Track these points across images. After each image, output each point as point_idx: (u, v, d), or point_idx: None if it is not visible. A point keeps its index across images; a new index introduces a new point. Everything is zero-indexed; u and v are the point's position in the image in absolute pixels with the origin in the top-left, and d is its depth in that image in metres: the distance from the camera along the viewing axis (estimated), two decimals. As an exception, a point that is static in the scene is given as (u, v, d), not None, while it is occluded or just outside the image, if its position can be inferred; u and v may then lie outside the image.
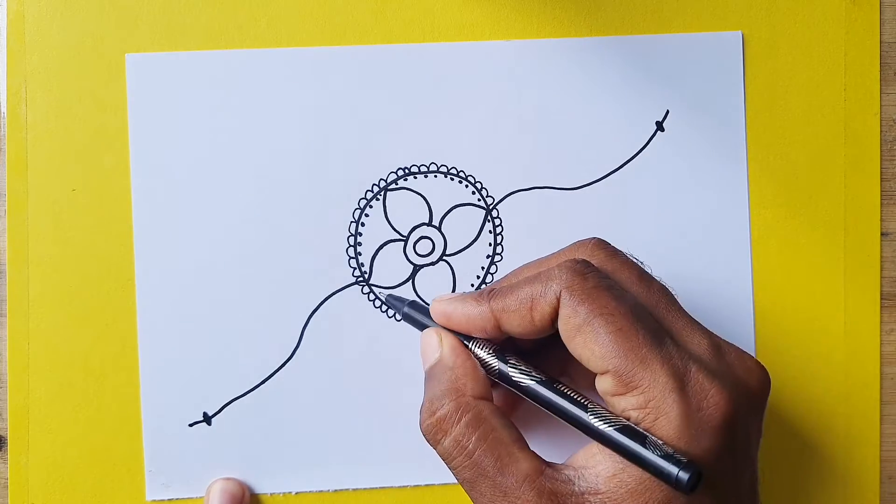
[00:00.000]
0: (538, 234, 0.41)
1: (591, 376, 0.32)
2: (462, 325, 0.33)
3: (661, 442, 0.28)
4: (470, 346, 0.33)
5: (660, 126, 0.41)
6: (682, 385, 0.29)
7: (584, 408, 0.30)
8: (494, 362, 0.33)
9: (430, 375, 0.33)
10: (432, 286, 0.40)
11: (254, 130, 0.40)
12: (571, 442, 0.32)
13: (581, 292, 0.30)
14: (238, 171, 0.40)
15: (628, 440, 0.28)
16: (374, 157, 0.40)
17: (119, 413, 0.40)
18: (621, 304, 0.30)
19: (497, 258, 0.41)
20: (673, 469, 0.27)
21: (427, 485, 0.40)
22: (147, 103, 0.40)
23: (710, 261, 0.41)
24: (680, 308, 0.32)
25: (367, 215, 0.40)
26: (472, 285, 0.40)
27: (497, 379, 0.33)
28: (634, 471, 0.29)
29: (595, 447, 0.30)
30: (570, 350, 0.31)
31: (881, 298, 0.41)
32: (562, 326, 0.31)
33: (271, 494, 0.40)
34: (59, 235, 0.40)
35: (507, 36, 0.41)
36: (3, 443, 0.40)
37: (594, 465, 0.29)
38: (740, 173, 0.41)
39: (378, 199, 0.40)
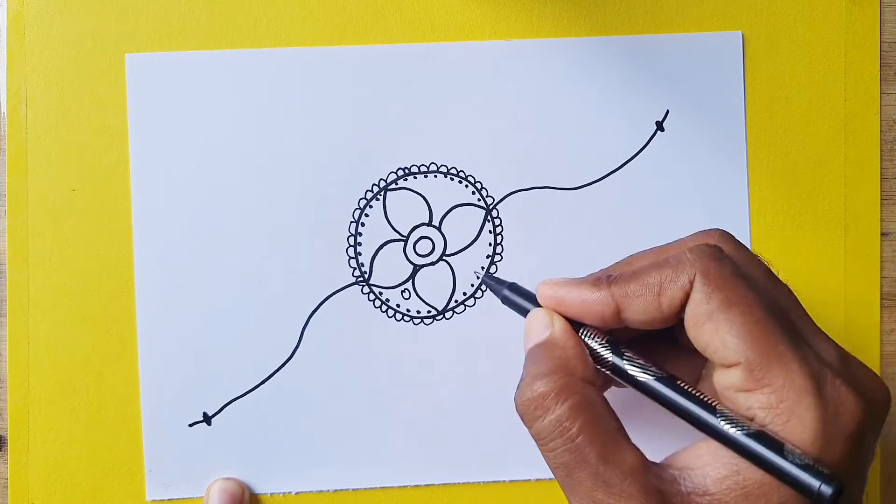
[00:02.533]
0: (538, 234, 0.41)
1: (696, 375, 0.31)
2: (576, 311, 0.31)
3: (798, 451, 0.27)
4: (581, 333, 0.31)
5: (660, 126, 0.41)
6: (819, 388, 0.27)
7: (713, 410, 0.28)
8: (608, 354, 0.31)
9: (534, 353, 0.31)
10: (432, 286, 0.40)
11: (253, 130, 0.40)
12: (666, 440, 0.31)
13: (718, 278, 0.28)
14: (238, 171, 0.40)
15: (764, 448, 0.27)
16: (374, 157, 0.40)
17: (119, 413, 0.40)
18: (759, 296, 0.28)
19: (497, 258, 0.41)
20: (814, 482, 0.26)
21: (427, 485, 0.40)
22: (147, 103, 0.40)
23: (710, 261, 0.41)
24: (807, 313, 0.30)
25: (367, 215, 0.40)
26: (472, 285, 0.40)
27: (609, 371, 0.31)
28: (750, 474, 0.27)
29: (702, 447, 0.29)
30: (694, 339, 0.29)
31: (881, 298, 0.41)
32: (691, 312, 0.29)
33: (271, 494, 0.40)
34: (59, 235, 0.40)
35: (507, 36, 0.41)
36: (3, 443, 0.40)
37: (701, 467, 0.28)
38: (740, 173, 0.41)
39: (378, 199, 0.40)
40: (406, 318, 0.40)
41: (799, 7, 0.41)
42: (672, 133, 0.41)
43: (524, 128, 0.40)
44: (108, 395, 0.40)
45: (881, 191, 0.41)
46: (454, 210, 0.41)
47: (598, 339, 0.31)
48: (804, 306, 0.30)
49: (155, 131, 0.40)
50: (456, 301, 0.40)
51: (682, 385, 0.29)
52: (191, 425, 0.40)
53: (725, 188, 0.41)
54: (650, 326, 0.30)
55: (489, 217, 0.41)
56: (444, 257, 0.41)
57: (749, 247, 0.41)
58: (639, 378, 0.30)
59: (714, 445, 0.28)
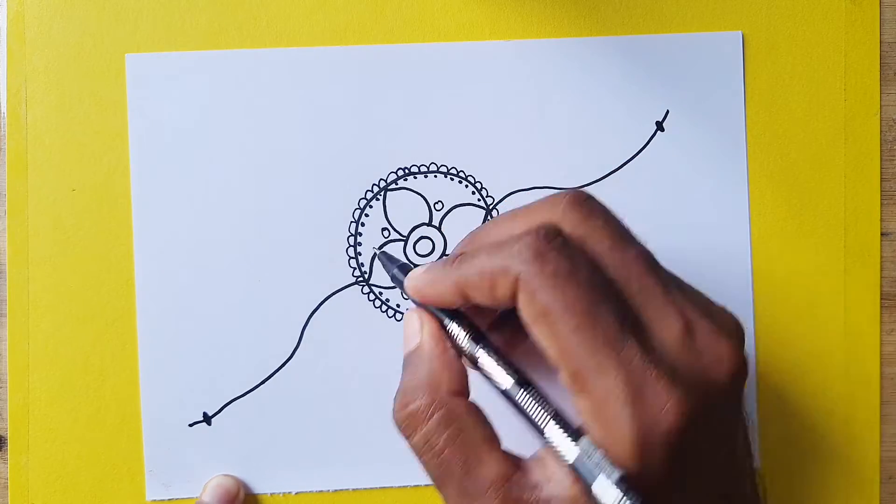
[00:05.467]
0: (538, 234, 0.40)
1: None
2: (435, 300, 0.31)
3: (616, 473, 0.26)
4: (449, 327, 0.32)
5: (660, 126, 0.41)
6: (637, 395, 0.26)
7: (540, 429, 0.29)
8: (469, 349, 0.31)
9: (408, 362, 0.32)
10: (432, 286, 0.40)
11: (253, 130, 0.40)
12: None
13: (540, 279, 0.28)
14: (238, 171, 0.40)
15: (584, 475, 0.27)
16: (374, 157, 0.40)
17: (119, 413, 0.40)
18: (582, 293, 0.27)
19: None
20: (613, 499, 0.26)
21: (427, 485, 0.40)
22: (147, 103, 0.40)
23: (711, 261, 0.41)
24: (656, 278, 0.29)
25: (367, 215, 0.40)
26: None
27: (474, 366, 0.31)
28: None
29: None
30: (529, 336, 0.29)
31: (881, 298, 0.41)
32: (521, 312, 0.28)
33: (271, 494, 0.40)
34: (59, 235, 0.40)
35: (507, 36, 0.41)
36: (3, 443, 0.40)
37: (563, 467, 0.28)
38: (740, 173, 0.41)
39: (378, 199, 0.40)
40: (406, 318, 0.40)
41: (799, 7, 0.41)
42: (672, 133, 0.41)
43: (524, 128, 0.40)
44: (108, 395, 0.40)
45: (881, 191, 0.41)
46: (454, 210, 0.41)
47: (466, 333, 0.31)
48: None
49: (155, 131, 0.40)
50: (456, 301, 0.40)
51: (523, 395, 0.29)
52: (191, 425, 0.40)
53: (725, 188, 0.41)
54: (501, 309, 0.31)
55: (489, 217, 0.41)
56: (445, 257, 0.41)
57: (749, 243, 0.41)
58: (493, 380, 0.30)
59: None
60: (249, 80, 0.40)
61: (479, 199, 0.41)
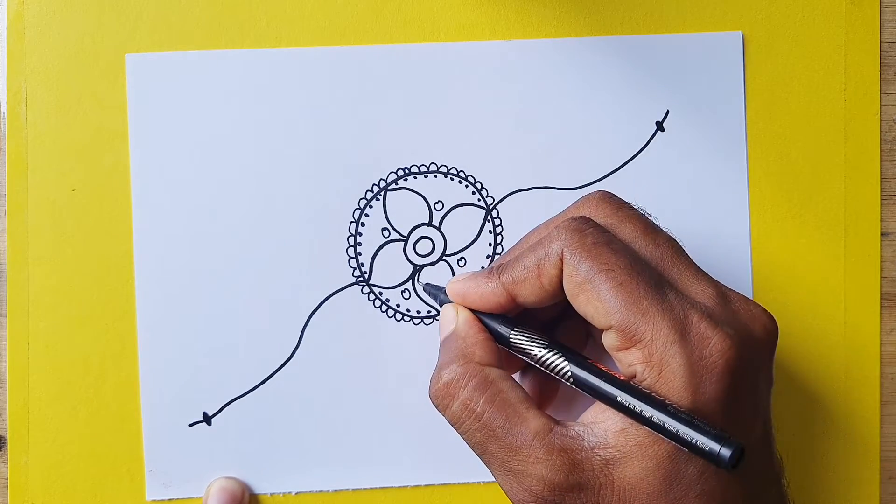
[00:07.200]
0: (538, 234, 0.41)
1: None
2: (478, 304, 0.33)
3: (695, 420, 0.28)
4: (485, 320, 0.34)
5: (660, 126, 0.41)
6: (683, 335, 0.29)
7: (593, 387, 0.30)
8: (504, 331, 0.33)
9: (442, 346, 0.34)
10: (432, 286, 0.40)
11: (254, 130, 0.40)
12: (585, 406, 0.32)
13: (581, 250, 0.30)
14: (238, 171, 0.40)
15: (672, 419, 0.28)
16: (374, 157, 0.40)
17: (119, 413, 0.40)
18: (621, 258, 0.30)
19: (497, 258, 0.41)
20: (715, 446, 0.27)
21: (427, 485, 0.40)
22: (147, 103, 0.40)
23: (711, 261, 0.41)
24: (686, 259, 0.32)
25: (367, 215, 0.40)
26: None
27: (510, 350, 0.33)
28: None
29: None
30: (577, 309, 0.31)
31: (881, 298, 0.41)
32: (566, 286, 0.31)
33: (271, 494, 0.40)
34: (59, 235, 0.40)
35: (507, 36, 0.41)
36: (3, 443, 0.40)
37: (603, 421, 0.30)
38: (740, 173, 0.41)
39: (378, 199, 0.40)
40: (406, 318, 0.40)
41: (799, 7, 0.41)
42: (672, 133, 0.41)
43: (524, 128, 0.40)
44: (108, 395, 0.40)
45: (881, 191, 0.41)
46: (454, 210, 0.41)
47: (503, 324, 0.33)
48: (688, 253, 0.33)
49: (155, 131, 0.40)
50: (456, 301, 0.40)
51: (569, 354, 0.31)
52: (191, 425, 0.40)
53: (725, 188, 0.41)
54: (544, 304, 0.32)
55: (489, 217, 0.41)
56: (444, 257, 0.41)
57: (749, 243, 0.41)
58: (531, 351, 0.32)
59: None
60: (249, 80, 0.40)
61: (479, 199, 0.41)
